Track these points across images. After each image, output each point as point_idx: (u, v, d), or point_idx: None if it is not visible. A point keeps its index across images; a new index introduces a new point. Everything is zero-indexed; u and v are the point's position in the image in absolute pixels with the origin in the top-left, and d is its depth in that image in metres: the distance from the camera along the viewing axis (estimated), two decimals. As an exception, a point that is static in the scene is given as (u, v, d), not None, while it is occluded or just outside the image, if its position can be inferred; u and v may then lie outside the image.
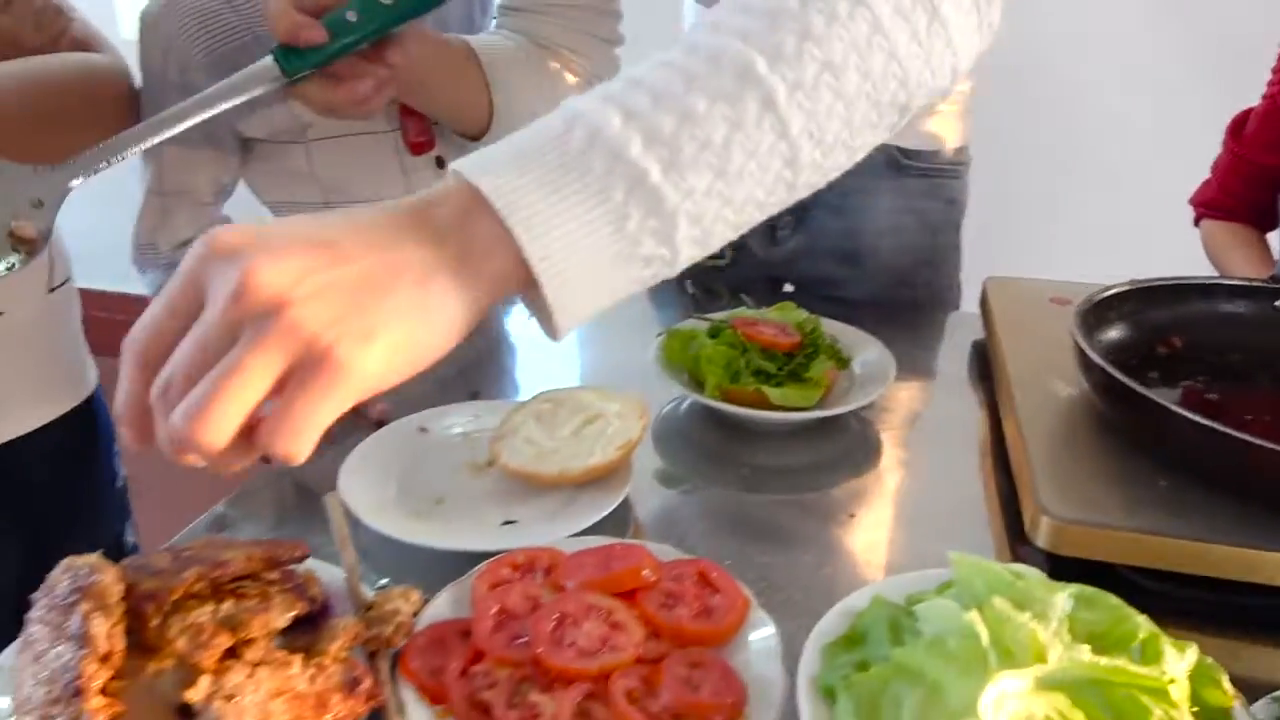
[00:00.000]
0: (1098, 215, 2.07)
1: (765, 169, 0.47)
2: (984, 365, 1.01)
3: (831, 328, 0.93)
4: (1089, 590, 0.54)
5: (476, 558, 0.64)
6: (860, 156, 0.51)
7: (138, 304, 0.98)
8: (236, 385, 0.40)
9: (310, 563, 0.59)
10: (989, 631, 0.49)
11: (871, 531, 0.75)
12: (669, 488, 0.80)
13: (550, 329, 0.46)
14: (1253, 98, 1.26)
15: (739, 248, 1.19)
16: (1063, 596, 0.53)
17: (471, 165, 0.44)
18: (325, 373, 0.40)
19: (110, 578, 0.48)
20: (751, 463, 0.83)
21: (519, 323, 1.12)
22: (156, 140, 0.68)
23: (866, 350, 0.93)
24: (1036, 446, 0.75)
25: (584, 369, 1.05)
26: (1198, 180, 1.34)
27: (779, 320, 0.91)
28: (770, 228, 1.19)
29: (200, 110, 0.69)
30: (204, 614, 0.50)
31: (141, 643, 0.49)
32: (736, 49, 0.46)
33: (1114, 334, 0.89)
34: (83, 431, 0.98)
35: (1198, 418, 0.67)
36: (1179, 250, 1.29)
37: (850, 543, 0.74)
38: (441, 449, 0.80)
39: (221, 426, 0.40)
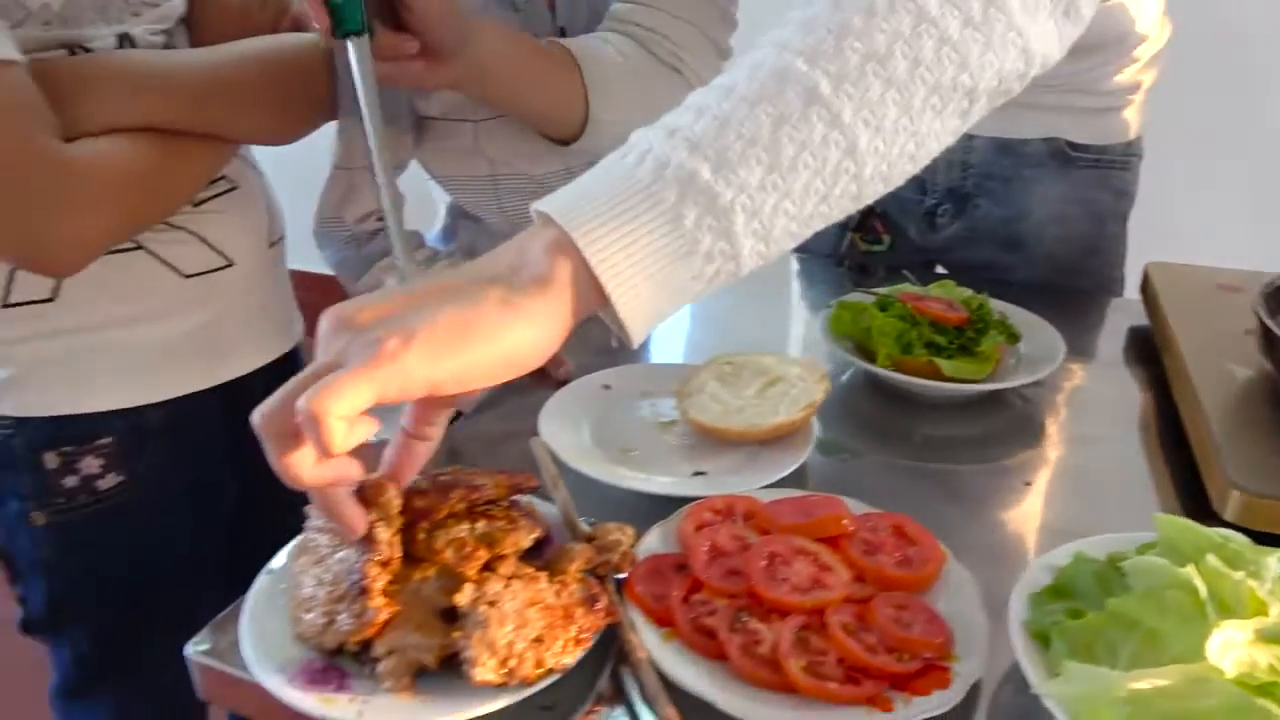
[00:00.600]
0: (1256, 202, 2.00)
1: (822, 159, 0.48)
2: (1144, 349, 1.01)
3: (997, 305, 0.95)
4: (1300, 556, 0.55)
5: (671, 503, 0.69)
6: (937, 143, 0.53)
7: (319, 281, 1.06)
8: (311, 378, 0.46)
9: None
10: (1206, 586, 0.51)
11: (1049, 498, 0.77)
12: (839, 455, 0.83)
13: (625, 338, 0.50)
14: None
15: (898, 233, 1.20)
16: (1274, 559, 0.54)
17: (557, 210, 0.49)
18: (375, 360, 0.45)
19: (393, 493, 0.54)
20: (922, 433, 0.86)
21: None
22: None
23: (1033, 328, 0.94)
24: (1220, 424, 0.76)
25: (721, 343, 1.08)
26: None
27: (944, 296, 0.93)
28: (929, 214, 1.18)
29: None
30: (463, 530, 0.55)
31: (409, 553, 0.55)
32: (774, 57, 0.49)
33: (1295, 319, 0.88)
34: (291, 373, 1.06)
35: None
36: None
37: (1029, 507, 0.75)
38: (626, 405, 0.84)
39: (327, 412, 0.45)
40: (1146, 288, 1.06)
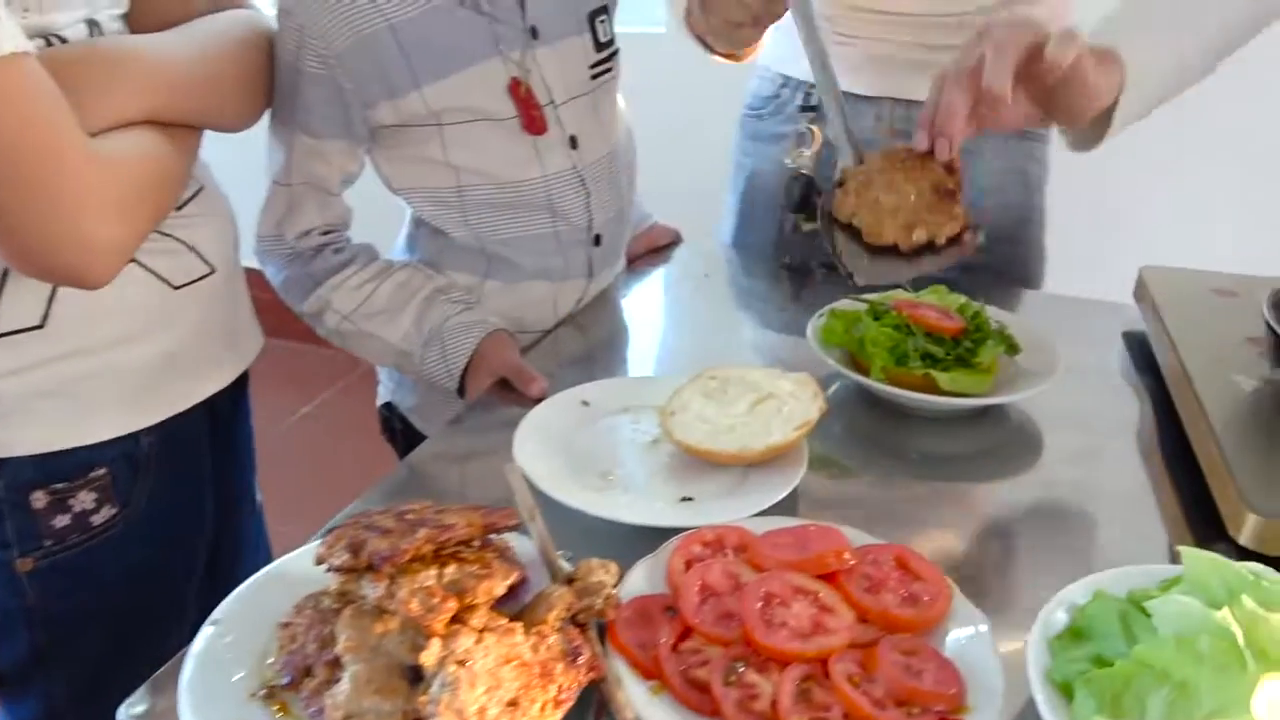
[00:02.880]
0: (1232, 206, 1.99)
1: None
2: (1140, 356, 0.97)
3: (993, 313, 0.91)
4: (1335, 594, 0.51)
5: (656, 533, 0.64)
6: None
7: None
8: None
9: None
10: (1243, 631, 0.47)
11: (1054, 520, 0.73)
12: (832, 472, 0.79)
13: None
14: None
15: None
16: (1309, 599, 0.50)
17: None
18: None
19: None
20: (918, 449, 0.81)
21: (640, 307, 1.11)
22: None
23: (1029, 335, 0.90)
24: (1230, 442, 0.72)
25: (703, 352, 1.04)
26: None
27: (938, 304, 0.89)
28: None
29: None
30: (430, 577, 0.50)
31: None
32: None
33: (1299, 327, 0.85)
34: (246, 383, 1.00)
35: None
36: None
37: (1034, 530, 0.71)
38: (606, 422, 0.79)
39: None
40: (1142, 293, 1.02)
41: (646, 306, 1.12)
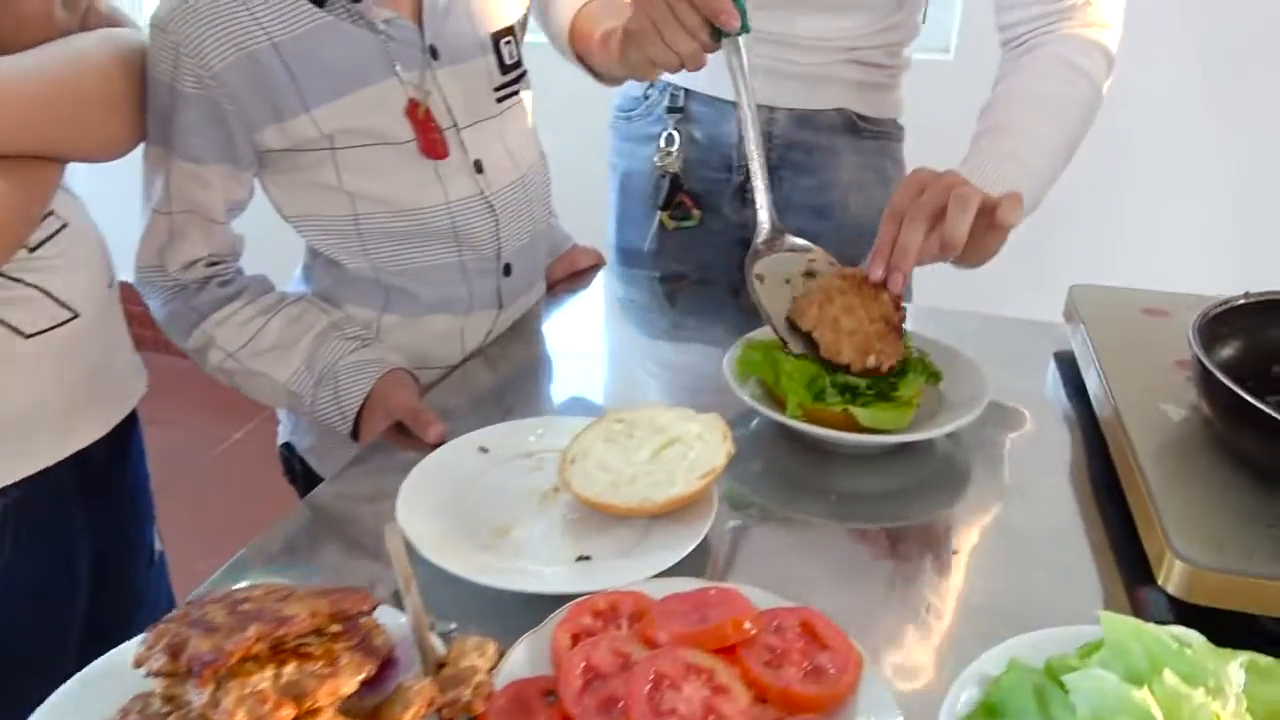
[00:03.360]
0: (1152, 222, 1.99)
1: None
2: (1070, 378, 0.94)
3: (915, 340, 0.87)
4: (1263, 660, 0.48)
5: (550, 598, 0.59)
6: None
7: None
8: None
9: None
10: (1163, 712, 0.43)
11: (977, 568, 0.69)
12: (747, 514, 0.74)
13: None
14: None
15: (709, 211, 1.22)
16: (1235, 667, 0.47)
17: None
18: None
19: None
20: (837, 489, 0.77)
21: (557, 337, 1.05)
22: None
23: (954, 362, 0.86)
24: (1157, 479, 0.69)
25: (626, 387, 0.99)
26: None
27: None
28: (740, 190, 1.17)
29: None
30: (265, 679, 0.44)
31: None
32: None
33: (1227, 352, 0.81)
34: (132, 429, 0.94)
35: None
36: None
37: (955, 583, 0.67)
38: (505, 471, 0.74)
39: None
40: (1072, 312, 0.99)
41: (565, 336, 1.06)
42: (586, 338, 1.08)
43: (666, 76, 1.16)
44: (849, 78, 1.13)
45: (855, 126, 1.16)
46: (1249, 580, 0.59)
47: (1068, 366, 0.97)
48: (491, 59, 0.96)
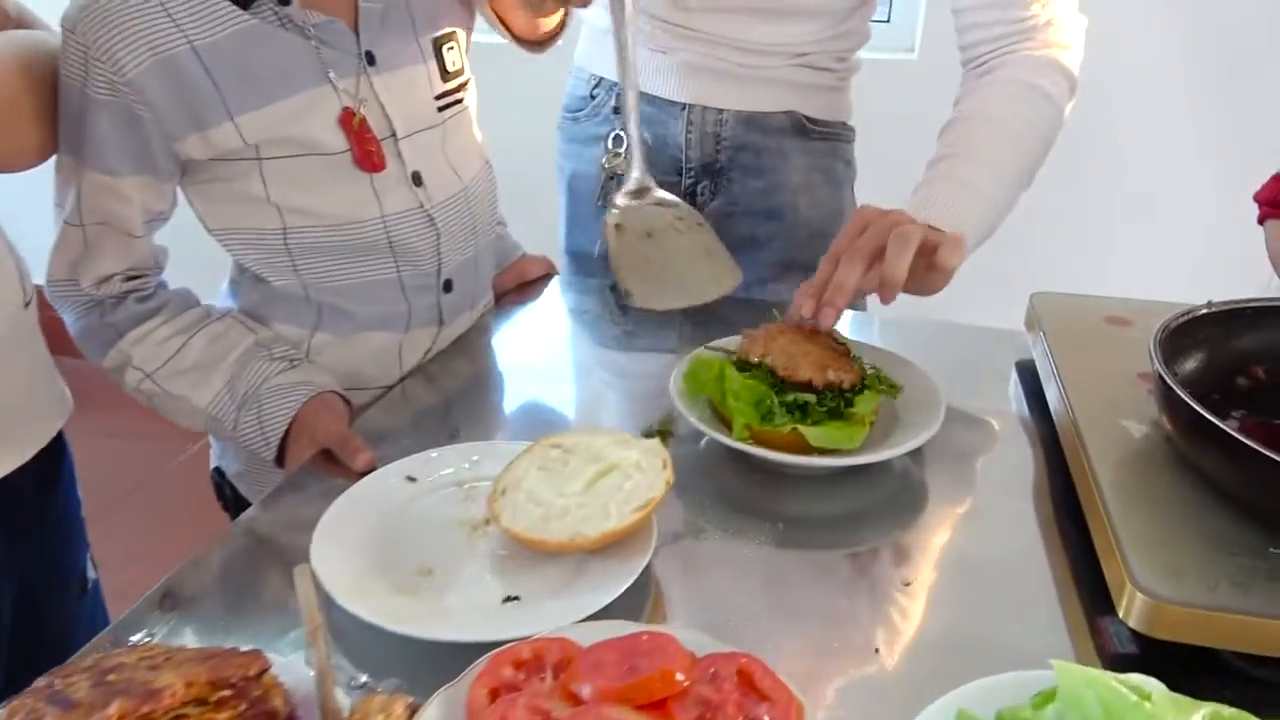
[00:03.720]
0: (1110, 232, 1.98)
1: None
2: (1032, 390, 0.91)
3: (865, 352, 0.83)
4: (1227, 712, 0.44)
5: (474, 645, 0.54)
6: None
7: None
8: None
9: (271, 656, 0.49)
10: (1119, 779, 0.39)
11: (931, 603, 0.65)
12: (690, 544, 0.70)
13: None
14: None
15: None
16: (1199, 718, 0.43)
17: None
18: None
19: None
20: (786, 514, 0.73)
21: (505, 351, 1.01)
22: None
23: (910, 379, 0.83)
24: (1117, 503, 0.65)
25: (577, 403, 0.94)
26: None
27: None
28: (689, 194, 1.15)
29: None
30: (130, 760, 0.39)
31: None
32: None
33: (1190, 365, 0.79)
34: (61, 455, 0.88)
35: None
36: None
37: (908, 619, 0.63)
38: (432, 502, 0.69)
39: None
40: (1033, 321, 0.96)
41: (514, 349, 1.02)
42: (537, 351, 1.03)
43: (611, 75, 1.13)
44: (798, 81, 1.11)
45: (804, 129, 1.15)
46: (1212, 615, 0.56)
47: (1030, 377, 0.93)
48: (433, 65, 0.91)
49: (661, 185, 1.16)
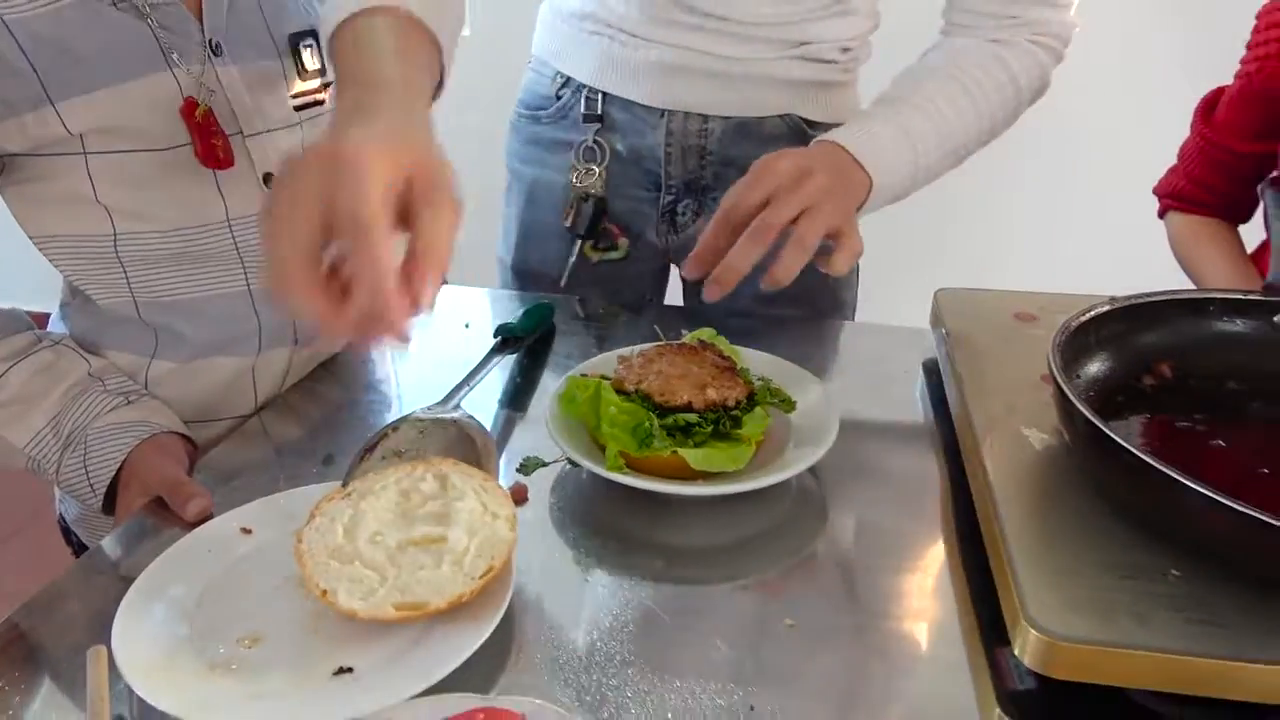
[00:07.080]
0: (1035, 224, 1.96)
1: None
2: (938, 394, 0.86)
3: (760, 364, 0.78)
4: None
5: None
6: None
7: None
8: None
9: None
10: None
11: (820, 646, 0.59)
12: (560, 586, 0.64)
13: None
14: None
15: (635, 238, 1.09)
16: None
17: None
18: None
19: None
20: (669, 546, 0.67)
21: (384, 369, 0.93)
22: None
23: (804, 391, 0.77)
24: (1014, 526, 0.61)
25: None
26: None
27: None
28: (668, 213, 1.06)
29: None
30: None
31: None
32: None
33: (1094, 367, 0.75)
34: None
35: (1217, 495, 0.53)
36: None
37: (796, 667, 0.58)
38: (269, 557, 0.62)
39: None
40: (937, 318, 0.92)
41: (397, 367, 0.94)
42: (422, 368, 0.95)
43: (583, 76, 1.02)
44: (796, 76, 0.99)
45: (804, 135, 1.02)
46: (1109, 651, 0.52)
47: (937, 377, 0.89)
48: (289, 63, 0.84)
49: (637, 202, 1.07)
